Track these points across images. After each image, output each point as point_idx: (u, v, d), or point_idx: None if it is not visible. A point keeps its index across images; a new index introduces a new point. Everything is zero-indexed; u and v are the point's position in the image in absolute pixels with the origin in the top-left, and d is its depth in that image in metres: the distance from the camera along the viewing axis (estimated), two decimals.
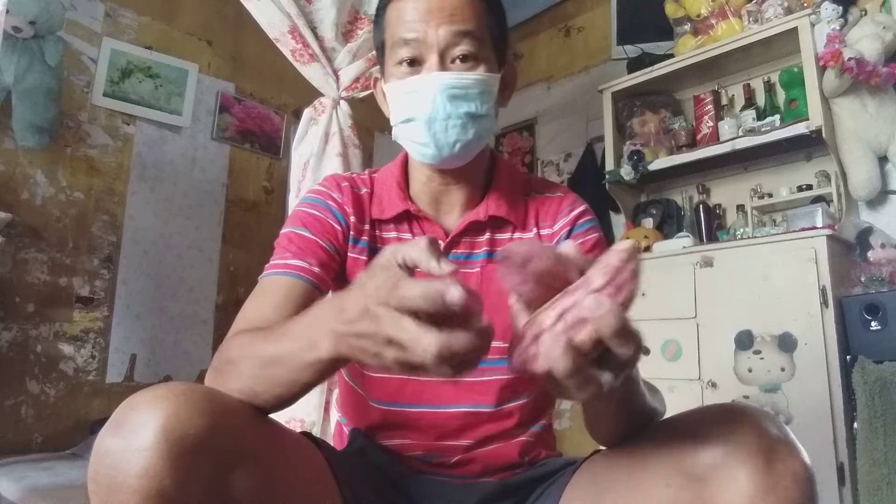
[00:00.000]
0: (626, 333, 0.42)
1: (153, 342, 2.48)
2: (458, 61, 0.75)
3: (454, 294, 0.42)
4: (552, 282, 0.46)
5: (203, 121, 2.76)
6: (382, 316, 0.44)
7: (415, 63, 0.76)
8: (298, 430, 0.74)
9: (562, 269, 0.46)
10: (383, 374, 0.80)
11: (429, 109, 0.74)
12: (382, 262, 0.49)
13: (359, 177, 0.87)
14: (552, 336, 0.42)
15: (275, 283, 0.74)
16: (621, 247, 0.44)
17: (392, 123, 0.81)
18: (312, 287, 0.75)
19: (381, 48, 0.82)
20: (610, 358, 0.44)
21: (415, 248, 0.48)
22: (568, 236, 0.83)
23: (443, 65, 0.74)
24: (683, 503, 0.54)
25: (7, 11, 1.64)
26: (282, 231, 0.81)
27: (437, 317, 0.43)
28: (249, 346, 0.60)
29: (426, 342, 0.42)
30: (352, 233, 0.81)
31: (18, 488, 1.59)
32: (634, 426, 0.64)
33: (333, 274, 0.79)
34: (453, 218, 0.84)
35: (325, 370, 0.54)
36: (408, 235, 0.83)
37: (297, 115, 1.92)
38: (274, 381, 0.56)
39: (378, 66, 0.86)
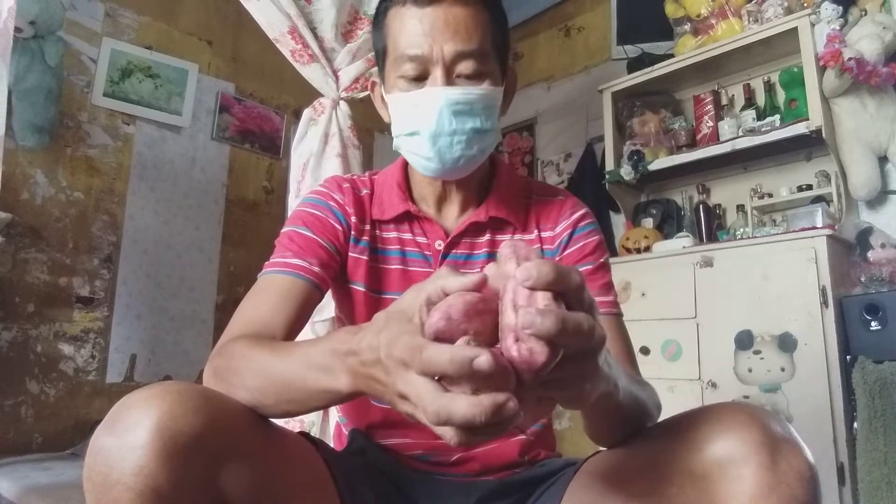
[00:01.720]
0: (562, 276, 0.40)
1: (153, 342, 2.48)
2: (462, 77, 0.74)
3: (483, 361, 0.38)
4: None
5: (203, 121, 2.76)
6: (392, 368, 0.43)
7: (419, 79, 0.74)
8: (297, 430, 0.74)
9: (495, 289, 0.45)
10: None
11: (433, 124, 0.73)
12: (403, 309, 0.46)
13: (359, 178, 0.88)
14: (525, 313, 0.40)
15: (274, 282, 0.74)
16: (504, 246, 0.44)
17: (394, 134, 0.80)
18: (312, 286, 0.75)
19: (381, 54, 0.80)
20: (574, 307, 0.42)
21: (444, 278, 0.45)
22: (569, 239, 0.83)
23: (448, 79, 0.73)
24: (687, 501, 0.54)
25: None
26: (282, 230, 0.81)
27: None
28: (257, 358, 0.59)
29: (426, 401, 0.40)
30: (353, 233, 0.82)
31: (18, 488, 1.59)
32: (634, 426, 0.63)
33: (333, 274, 0.80)
34: (454, 218, 0.84)
35: (339, 401, 0.54)
36: (408, 236, 0.83)
37: (297, 115, 1.92)
38: (283, 398, 0.56)
39: (376, 69, 0.86)
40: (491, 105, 0.76)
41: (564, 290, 0.41)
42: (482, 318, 0.44)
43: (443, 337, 0.42)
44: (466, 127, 0.74)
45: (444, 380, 0.41)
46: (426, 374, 0.41)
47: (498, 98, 0.78)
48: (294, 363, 0.55)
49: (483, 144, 0.77)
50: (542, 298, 0.41)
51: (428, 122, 0.73)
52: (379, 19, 0.79)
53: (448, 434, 0.40)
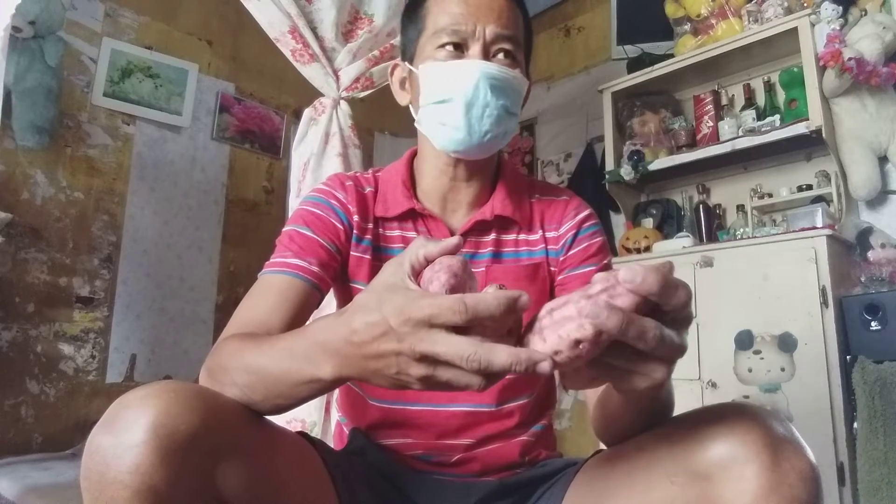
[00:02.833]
0: (665, 289, 0.43)
1: (153, 342, 2.48)
2: (500, 55, 0.78)
3: (526, 300, 0.43)
4: None
5: (203, 121, 2.76)
6: (408, 333, 0.44)
7: (458, 48, 0.77)
8: (299, 430, 0.74)
9: None
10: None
11: (470, 93, 0.75)
12: (389, 283, 0.48)
13: (363, 175, 0.87)
14: (592, 303, 0.43)
15: (272, 282, 0.74)
16: (653, 266, 0.44)
17: (421, 104, 0.80)
18: (311, 287, 0.74)
19: (415, 36, 0.82)
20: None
21: (423, 247, 0.49)
22: (573, 240, 0.84)
23: (485, 58, 0.77)
24: (688, 501, 0.54)
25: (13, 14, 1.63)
26: (284, 229, 0.81)
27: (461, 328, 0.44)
28: (244, 355, 0.59)
29: (465, 350, 0.42)
30: (355, 232, 0.81)
31: (18, 488, 1.59)
32: (656, 419, 0.62)
33: (334, 273, 0.79)
34: (459, 217, 0.84)
35: (325, 389, 0.54)
36: (412, 234, 0.83)
37: (297, 115, 1.92)
38: (271, 392, 0.56)
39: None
40: (519, 91, 0.80)
41: (664, 303, 0.44)
42: (473, 278, 0.49)
43: (454, 293, 0.45)
44: (499, 102, 0.76)
45: (466, 332, 0.44)
46: (467, 324, 0.43)
47: (524, 89, 0.82)
48: (277, 356, 0.56)
49: (508, 127, 0.79)
50: (627, 299, 0.43)
51: (465, 90, 0.75)
52: (415, 6, 0.83)
53: (475, 381, 0.44)
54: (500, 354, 0.42)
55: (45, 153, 2.25)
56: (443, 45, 0.77)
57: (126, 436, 0.48)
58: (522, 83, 0.80)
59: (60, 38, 2.25)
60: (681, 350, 0.45)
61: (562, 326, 0.44)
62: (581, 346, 0.43)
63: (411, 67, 0.83)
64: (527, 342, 0.46)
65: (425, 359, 0.44)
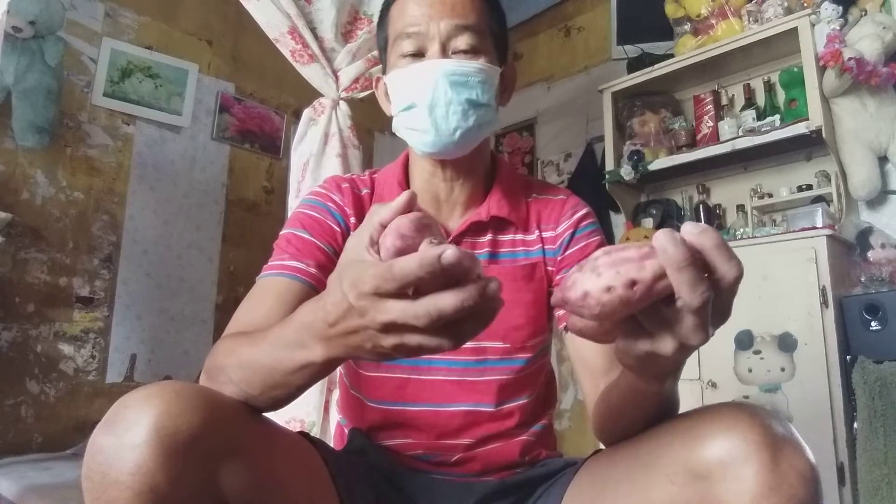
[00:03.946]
0: (718, 250, 0.46)
1: (153, 342, 2.48)
2: (459, 53, 0.77)
3: (449, 255, 0.41)
4: None
5: (203, 121, 2.76)
6: (367, 307, 0.44)
7: (417, 55, 0.77)
8: (298, 430, 0.74)
9: None
10: (382, 374, 0.80)
11: (430, 95, 0.75)
12: (350, 258, 0.48)
13: (359, 178, 0.88)
14: (662, 233, 0.43)
15: (270, 285, 0.74)
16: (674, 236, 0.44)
17: (393, 113, 0.81)
18: (309, 288, 0.74)
19: (384, 46, 0.84)
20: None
21: (376, 214, 0.48)
22: (571, 239, 0.83)
23: (444, 55, 0.76)
24: (687, 500, 0.54)
25: (7, 11, 1.64)
26: (281, 232, 0.81)
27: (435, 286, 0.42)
28: (238, 351, 0.60)
29: (415, 310, 0.42)
30: (352, 234, 0.81)
31: (18, 488, 1.59)
32: (659, 417, 0.62)
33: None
34: (455, 218, 0.84)
35: (318, 373, 0.54)
36: None
37: (297, 115, 1.92)
38: (267, 384, 0.56)
39: (380, 66, 0.87)
40: (487, 81, 0.78)
41: (714, 268, 0.46)
42: (431, 230, 0.46)
43: (404, 255, 0.44)
44: (462, 97, 0.76)
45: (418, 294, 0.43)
46: (403, 289, 0.42)
47: (494, 76, 0.79)
48: (269, 347, 0.56)
49: (479, 118, 0.77)
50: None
51: (424, 93, 0.75)
52: (383, 15, 0.84)
53: (444, 343, 0.43)
54: (445, 298, 0.41)
55: (45, 153, 2.25)
56: (403, 55, 0.78)
57: (128, 436, 0.48)
58: (489, 72, 0.78)
59: (60, 38, 2.25)
60: (704, 335, 0.46)
61: (621, 265, 0.43)
62: (635, 289, 0.42)
63: (385, 81, 0.84)
64: (573, 281, 0.45)
65: (389, 328, 0.44)
